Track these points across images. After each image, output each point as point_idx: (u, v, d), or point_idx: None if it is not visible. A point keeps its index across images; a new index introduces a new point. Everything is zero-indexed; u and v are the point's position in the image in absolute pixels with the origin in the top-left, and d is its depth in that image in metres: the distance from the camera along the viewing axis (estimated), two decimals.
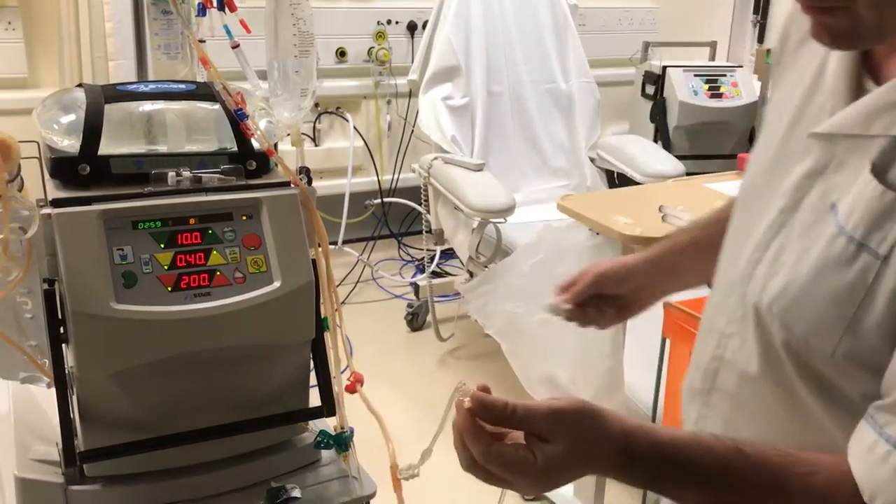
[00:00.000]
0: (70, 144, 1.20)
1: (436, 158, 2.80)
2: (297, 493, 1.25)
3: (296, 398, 1.29)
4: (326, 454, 1.34)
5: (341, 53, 3.44)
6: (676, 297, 1.66)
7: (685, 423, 0.89)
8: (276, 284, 1.17)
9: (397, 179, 3.63)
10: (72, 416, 1.15)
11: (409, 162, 3.48)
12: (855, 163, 0.68)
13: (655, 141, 3.40)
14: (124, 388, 1.13)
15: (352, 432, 1.30)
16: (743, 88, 3.45)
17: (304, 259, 1.20)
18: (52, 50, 2.80)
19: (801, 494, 0.67)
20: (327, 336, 1.29)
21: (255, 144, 1.26)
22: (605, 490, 2.02)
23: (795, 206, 0.73)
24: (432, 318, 3.00)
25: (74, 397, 1.15)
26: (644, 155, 2.92)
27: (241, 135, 1.24)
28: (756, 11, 4.29)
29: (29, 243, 1.08)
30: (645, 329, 1.95)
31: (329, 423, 1.33)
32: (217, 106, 1.27)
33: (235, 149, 1.26)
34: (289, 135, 1.39)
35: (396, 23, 3.51)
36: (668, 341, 1.87)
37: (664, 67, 3.44)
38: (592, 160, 3.13)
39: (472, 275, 2.68)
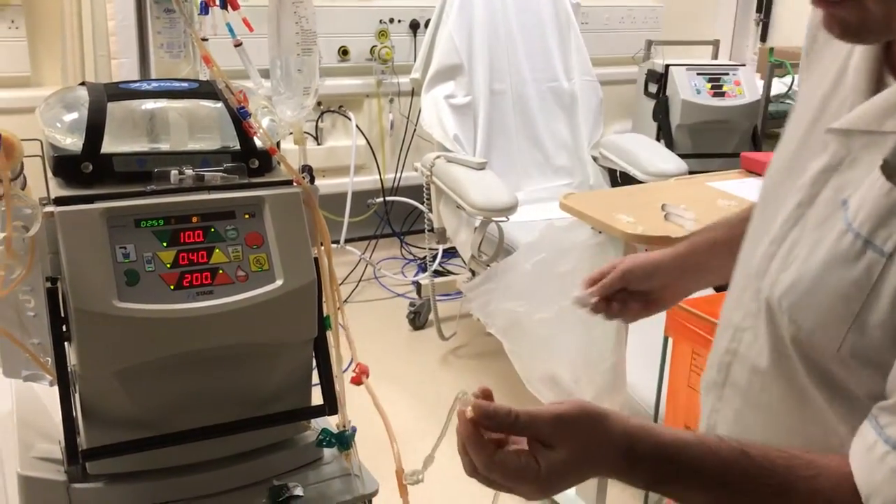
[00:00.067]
0: (73, 143, 1.20)
1: (438, 157, 2.80)
2: (299, 491, 1.25)
3: (298, 396, 1.29)
4: (328, 452, 1.34)
5: (344, 52, 3.44)
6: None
7: (701, 416, 0.89)
8: (279, 283, 1.17)
9: (399, 178, 3.63)
10: (74, 413, 1.15)
11: (411, 161, 3.49)
12: (869, 159, 0.68)
13: (658, 139, 3.40)
14: (127, 386, 1.14)
15: (354, 431, 1.30)
16: (746, 87, 3.44)
17: (307, 258, 1.20)
18: (55, 48, 2.80)
19: (808, 497, 0.67)
20: (329, 334, 1.29)
21: (258, 143, 1.26)
22: (606, 490, 2.02)
23: (811, 202, 0.74)
24: (434, 317, 3.00)
25: (77, 395, 1.15)
26: (647, 153, 2.91)
27: (244, 133, 1.24)
28: (759, 10, 4.28)
29: (32, 241, 1.08)
30: (647, 328, 1.95)
31: (331, 422, 1.33)
32: (220, 104, 1.27)
33: (238, 147, 1.26)
34: (291, 133, 1.39)
35: (399, 21, 3.51)
36: (670, 340, 1.87)
37: (667, 66, 3.44)
38: (595, 159, 3.12)
39: (474, 273, 2.68)
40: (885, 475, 0.62)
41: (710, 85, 3.41)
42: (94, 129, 1.19)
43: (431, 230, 2.94)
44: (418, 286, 3.20)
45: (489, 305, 2.27)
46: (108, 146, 1.20)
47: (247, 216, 1.19)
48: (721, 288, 1.41)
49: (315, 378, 1.29)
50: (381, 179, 3.60)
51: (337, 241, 3.25)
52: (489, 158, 2.87)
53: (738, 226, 0.96)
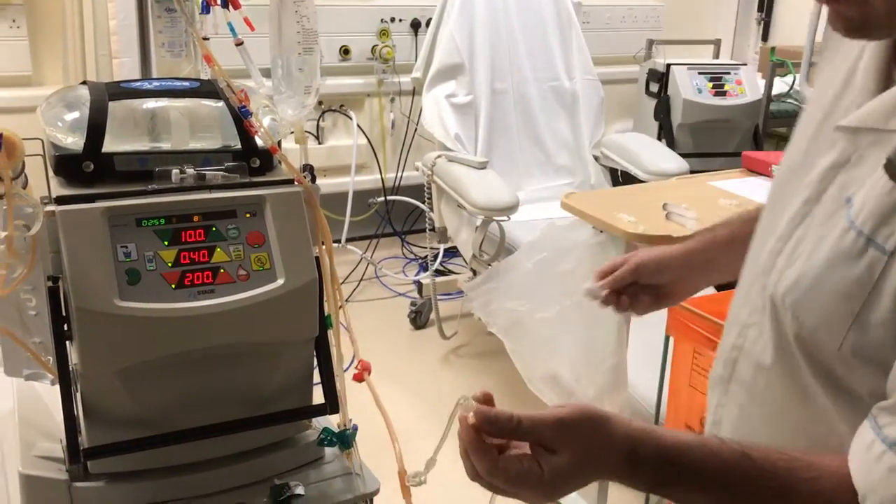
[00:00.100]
0: (74, 142, 1.20)
1: (439, 156, 2.80)
2: (300, 490, 1.25)
3: (299, 395, 1.29)
4: (330, 451, 1.34)
5: (345, 51, 3.44)
6: None
7: (707, 411, 0.90)
8: (280, 282, 1.17)
9: (401, 177, 3.63)
10: (76, 412, 1.15)
11: (412, 160, 3.49)
12: (874, 157, 0.68)
13: (659, 139, 3.40)
14: (128, 385, 1.14)
15: (355, 430, 1.30)
16: (747, 86, 3.44)
17: (308, 257, 1.20)
18: (56, 48, 2.81)
19: (809, 499, 0.67)
20: (330, 333, 1.29)
21: (259, 142, 1.26)
22: (607, 491, 2.02)
23: (817, 199, 0.74)
24: (436, 316, 3.00)
25: (78, 394, 1.15)
26: (648, 153, 2.91)
27: (245, 132, 1.24)
28: (760, 9, 4.28)
29: (33, 240, 1.08)
30: (648, 327, 1.95)
31: (332, 421, 1.33)
32: (221, 103, 1.27)
33: (239, 146, 1.26)
34: (292, 132, 1.39)
35: (400, 20, 3.50)
36: (671, 339, 1.87)
37: (668, 65, 3.44)
38: (596, 158, 3.12)
39: (475, 273, 2.68)
40: (881, 474, 0.62)
41: (711, 84, 3.41)
42: (96, 128, 1.19)
43: (432, 229, 2.94)
44: (419, 285, 3.20)
45: (490, 305, 2.27)
46: (109, 145, 1.20)
47: (248, 215, 1.19)
48: (723, 286, 1.41)
49: (316, 377, 1.29)
50: (382, 179, 3.60)
51: (338, 241, 3.25)
52: (490, 158, 2.87)
53: (750, 223, 0.96)
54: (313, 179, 1.27)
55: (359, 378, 1.29)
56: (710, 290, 2.09)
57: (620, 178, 3.03)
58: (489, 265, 2.52)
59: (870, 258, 0.65)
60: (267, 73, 1.36)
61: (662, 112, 3.43)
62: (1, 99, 2.75)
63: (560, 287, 2.03)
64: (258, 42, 1.33)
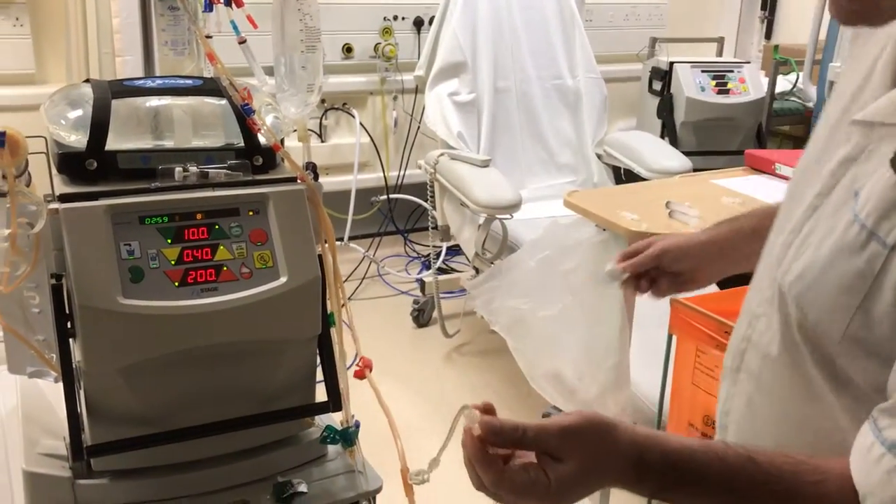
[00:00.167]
0: (77, 140, 1.20)
1: (442, 154, 2.79)
2: (303, 487, 1.25)
3: (302, 393, 1.29)
4: (332, 449, 1.34)
5: (348, 49, 3.43)
6: (684, 294, 1.66)
7: (718, 401, 0.90)
8: (283, 280, 1.17)
9: (403, 176, 3.63)
10: (79, 410, 1.15)
11: (415, 158, 3.48)
12: (884, 151, 0.68)
13: (662, 137, 3.39)
14: (131, 383, 1.14)
15: (357, 426, 1.30)
16: (750, 84, 3.44)
17: (311, 255, 1.20)
18: (60, 46, 2.81)
19: (814, 502, 0.67)
20: (333, 331, 1.29)
21: (262, 140, 1.26)
22: (609, 492, 2.02)
23: (828, 192, 0.74)
24: (438, 315, 3.00)
25: (82, 392, 1.15)
26: (651, 151, 2.91)
27: (248, 130, 1.24)
28: (764, 7, 4.28)
29: (36, 238, 1.08)
30: (651, 325, 1.94)
31: (335, 419, 1.33)
32: (224, 101, 1.27)
33: (242, 144, 1.26)
34: (295, 130, 1.39)
35: (403, 18, 3.50)
36: (674, 338, 1.87)
37: (671, 63, 3.43)
38: (599, 156, 3.12)
39: (477, 271, 2.68)
40: (880, 477, 0.63)
41: (714, 82, 3.40)
42: (99, 126, 1.19)
43: (435, 228, 2.94)
44: (422, 284, 3.20)
45: (493, 303, 2.27)
46: (112, 143, 1.20)
47: (251, 213, 1.19)
48: (728, 283, 1.41)
49: (319, 375, 1.29)
50: (384, 177, 3.60)
51: (341, 239, 3.25)
52: (493, 156, 2.86)
53: (773, 216, 0.97)
54: (316, 177, 1.27)
55: (360, 375, 1.29)
56: (714, 288, 2.09)
57: (623, 176, 3.03)
58: (492, 263, 2.51)
59: (871, 251, 0.66)
60: (270, 71, 1.36)
61: (665, 110, 3.42)
62: (4, 97, 2.76)
63: (563, 285, 2.03)
64: (261, 40, 1.34)
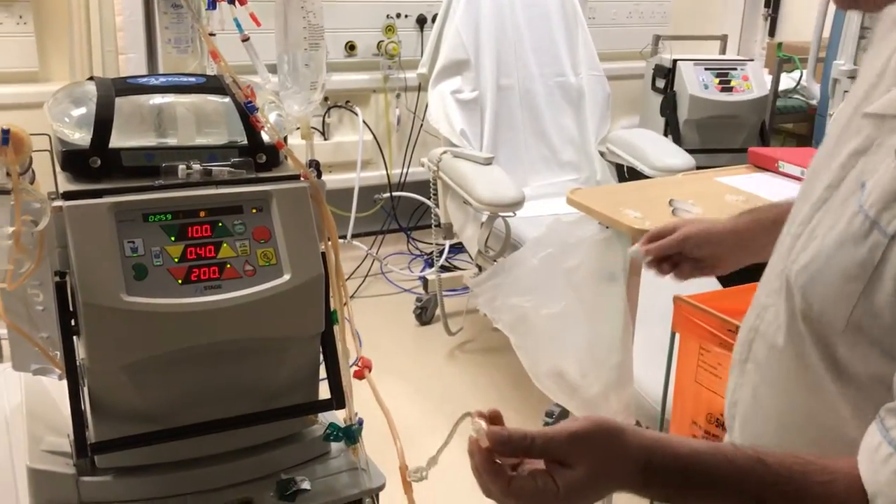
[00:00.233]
0: (81, 137, 1.20)
1: (445, 152, 2.80)
2: (306, 485, 1.25)
3: (305, 391, 1.29)
4: (336, 446, 1.34)
5: (351, 47, 3.44)
6: (687, 292, 1.66)
7: (726, 394, 0.91)
8: (286, 277, 1.17)
9: (406, 173, 3.63)
10: (83, 407, 1.15)
11: (418, 156, 3.48)
12: (892, 143, 0.69)
13: (665, 135, 3.39)
14: (135, 380, 1.14)
15: (360, 424, 1.30)
16: (754, 82, 3.43)
17: (314, 252, 1.21)
18: (63, 44, 2.81)
19: (824, 502, 0.67)
20: (336, 329, 1.29)
21: (265, 138, 1.26)
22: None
23: (838, 184, 0.74)
24: (441, 313, 3.01)
25: (86, 389, 1.15)
26: (654, 149, 2.91)
27: (251, 128, 1.24)
28: (767, 5, 4.27)
29: (40, 235, 1.08)
30: (654, 323, 1.94)
31: (338, 416, 1.33)
32: (227, 99, 1.27)
33: (245, 142, 1.27)
34: (298, 128, 1.39)
35: (406, 16, 3.50)
36: (677, 335, 1.87)
37: (674, 61, 3.43)
38: (602, 154, 3.12)
39: (480, 269, 2.68)
40: (888, 477, 0.63)
41: (717, 80, 3.40)
42: (103, 123, 1.19)
43: (438, 225, 2.95)
44: (425, 281, 3.20)
45: (496, 301, 2.27)
46: (116, 141, 1.20)
47: (254, 211, 1.19)
48: (730, 280, 1.41)
49: (322, 372, 1.29)
50: (387, 175, 3.60)
51: (344, 237, 3.26)
52: (496, 153, 2.86)
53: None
54: (319, 175, 1.27)
55: (359, 375, 1.29)
56: (716, 286, 2.09)
57: (626, 173, 3.03)
58: (495, 261, 2.52)
59: (873, 241, 0.66)
60: (273, 69, 1.36)
61: (669, 108, 3.42)
62: (8, 95, 2.76)
63: (566, 283, 2.03)
64: (264, 38, 1.34)
